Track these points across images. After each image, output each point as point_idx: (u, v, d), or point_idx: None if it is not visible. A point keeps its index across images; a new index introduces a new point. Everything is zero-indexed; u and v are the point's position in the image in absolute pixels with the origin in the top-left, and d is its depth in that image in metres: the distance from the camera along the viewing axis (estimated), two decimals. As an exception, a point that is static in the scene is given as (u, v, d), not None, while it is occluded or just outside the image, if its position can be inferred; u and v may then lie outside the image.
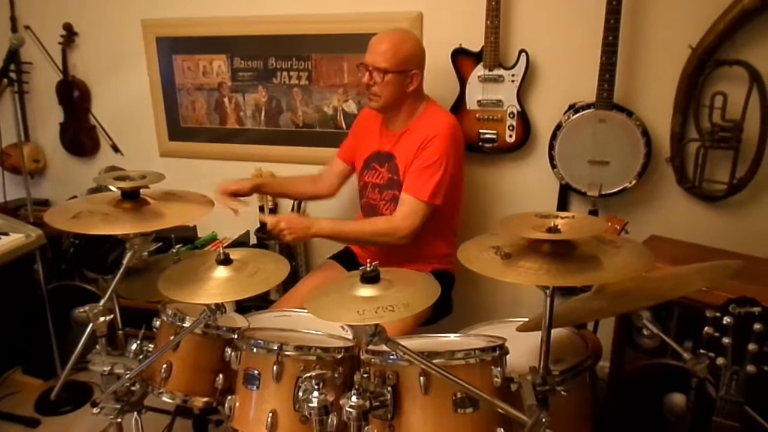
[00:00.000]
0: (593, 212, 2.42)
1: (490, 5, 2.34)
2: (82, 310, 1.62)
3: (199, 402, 1.71)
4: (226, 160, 2.93)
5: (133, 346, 1.77)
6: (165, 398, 1.70)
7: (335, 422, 1.47)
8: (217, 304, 1.47)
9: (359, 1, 2.59)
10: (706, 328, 1.30)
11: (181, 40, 2.85)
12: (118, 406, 1.68)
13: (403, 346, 1.39)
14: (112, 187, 1.70)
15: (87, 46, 3.01)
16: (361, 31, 2.55)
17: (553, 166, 2.42)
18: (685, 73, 2.25)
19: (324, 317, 1.34)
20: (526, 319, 1.81)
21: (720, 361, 1.28)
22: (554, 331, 1.66)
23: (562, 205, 2.52)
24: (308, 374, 1.41)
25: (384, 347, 1.39)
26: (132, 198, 1.58)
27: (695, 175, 2.33)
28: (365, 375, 1.53)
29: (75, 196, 2.98)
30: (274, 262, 1.58)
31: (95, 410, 1.69)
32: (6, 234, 2.47)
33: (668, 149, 2.34)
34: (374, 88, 2.15)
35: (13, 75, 2.90)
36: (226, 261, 1.49)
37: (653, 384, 2.09)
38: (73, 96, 3.04)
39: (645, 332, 2.21)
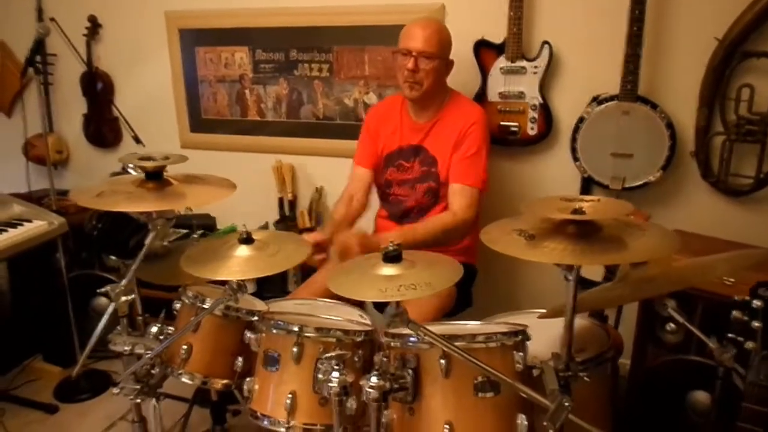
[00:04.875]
0: (615, 206, 2.39)
1: (513, -4, 2.33)
2: (103, 290, 1.62)
3: (218, 384, 1.71)
4: (246, 152, 2.94)
5: (153, 329, 1.77)
6: (184, 379, 1.70)
7: (354, 406, 1.47)
8: (238, 284, 1.47)
9: (381, -7, 2.60)
10: (734, 312, 1.28)
11: (203, 31, 2.88)
12: (138, 387, 1.68)
13: (425, 328, 1.38)
14: (132, 171, 1.72)
15: (111, 38, 3.05)
16: (383, 23, 2.56)
17: (576, 159, 2.40)
18: (711, 66, 2.22)
19: (345, 294, 1.33)
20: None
21: (749, 345, 1.25)
22: (576, 322, 1.65)
23: (585, 192, 2.50)
24: (328, 354, 1.40)
25: (404, 330, 1.38)
26: (155, 178, 1.58)
27: (720, 169, 2.29)
28: (385, 358, 1.52)
29: (97, 186, 3.02)
30: (294, 242, 1.58)
31: (115, 390, 1.69)
32: (29, 221, 2.49)
33: (693, 143, 2.31)
34: (419, 75, 2.11)
35: (38, 66, 2.95)
36: (247, 240, 1.49)
37: (676, 381, 2.05)
38: (97, 87, 3.07)
39: (668, 327, 2.17)
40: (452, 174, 2.17)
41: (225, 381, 1.72)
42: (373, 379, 1.39)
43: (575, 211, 1.36)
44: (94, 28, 3.00)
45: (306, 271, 2.68)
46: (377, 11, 2.58)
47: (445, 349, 1.38)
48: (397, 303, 1.35)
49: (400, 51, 2.15)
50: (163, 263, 1.94)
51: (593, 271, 2.15)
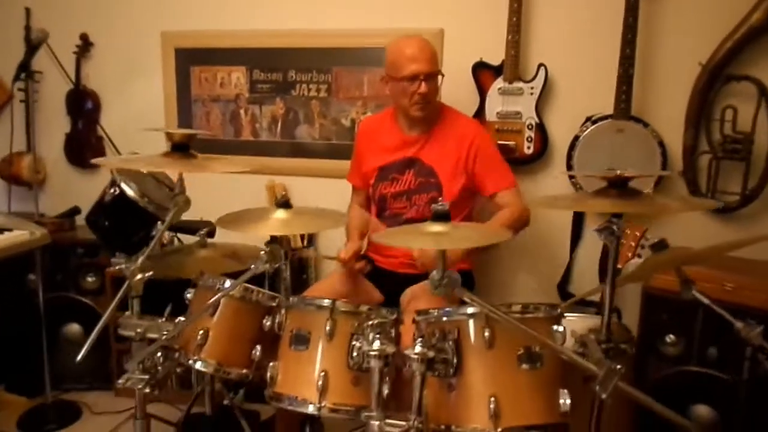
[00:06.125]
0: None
1: (511, 21, 2.44)
2: (118, 266, 1.52)
3: (234, 372, 1.61)
4: (239, 173, 2.88)
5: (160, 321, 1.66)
6: (198, 366, 1.59)
7: (386, 391, 1.40)
8: (273, 254, 1.40)
9: (381, 17, 2.67)
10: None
11: (200, 51, 2.87)
12: (146, 378, 1.56)
13: (471, 295, 1.35)
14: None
15: (102, 57, 2.99)
16: (383, 45, 2.61)
17: (571, 177, 2.46)
18: (696, 89, 2.36)
19: (395, 243, 1.29)
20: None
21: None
22: (595, 320, 1.67)
23: (579, 215, 2.55)
24: (370, 322, 1.35)
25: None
26: (181, 150, 1.54)
27: (708, 187, 2.39)
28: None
29: (75, 206, 2.89)
30: (327, 217, 1.55)
31: (120, 381, 1.56)
32: (10, 230, 2.35)
33: (681, 162, 2.41)
34: (429, 95, 2.13)
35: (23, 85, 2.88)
36: (285, 204, 1.45)
37: (678, 394, 2.05)
38: (83, 106, 2.99)
39: (668, 339, 2.20)
40: (494, 183, 2.19)
41: (242, 370, 1.61)
42: (417, 348, 1.34)
43: (618, 176, 1.40)
44: (85, 46, 2.94)
45: (296, 286, 2.60)
46: (377, 34, 2.64)
47: (492, 315, 1.35)
48: (444, 268, 1.33)
49: (406, 77, 2.12)
50: (171, 259, 1.86)
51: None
